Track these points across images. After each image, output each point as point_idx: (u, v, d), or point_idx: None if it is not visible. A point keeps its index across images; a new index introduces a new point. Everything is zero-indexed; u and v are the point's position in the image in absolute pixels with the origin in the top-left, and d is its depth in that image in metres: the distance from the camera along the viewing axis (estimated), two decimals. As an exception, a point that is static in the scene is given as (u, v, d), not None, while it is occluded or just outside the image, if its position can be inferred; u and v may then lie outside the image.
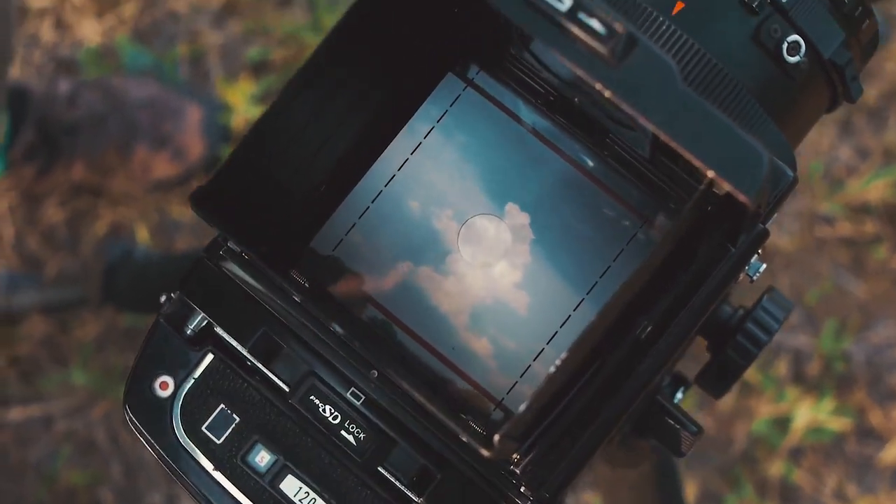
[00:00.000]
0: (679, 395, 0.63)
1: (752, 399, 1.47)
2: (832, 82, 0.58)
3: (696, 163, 0.42)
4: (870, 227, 1.55)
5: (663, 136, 0.42)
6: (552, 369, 0.42)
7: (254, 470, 0.53)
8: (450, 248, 0.53)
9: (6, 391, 1.47)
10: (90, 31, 1.58)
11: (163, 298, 0.55)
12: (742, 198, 0.41)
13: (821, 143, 1.57)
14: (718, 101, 0.55)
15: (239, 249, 0.50)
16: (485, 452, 0.45)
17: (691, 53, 0.54)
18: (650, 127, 0.42)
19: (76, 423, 1.45)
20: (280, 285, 0.51)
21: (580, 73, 0.42)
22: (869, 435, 1.47)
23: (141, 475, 1.43)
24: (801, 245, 1.54)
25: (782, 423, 1.46)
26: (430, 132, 0.54)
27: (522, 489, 0.51)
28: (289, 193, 0.52)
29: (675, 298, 0.51)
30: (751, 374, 1.47)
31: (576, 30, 0.42)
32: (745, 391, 1.47)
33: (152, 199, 1.50)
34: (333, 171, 0.53)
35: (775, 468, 1.45)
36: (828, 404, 1.46)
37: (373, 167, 0.53)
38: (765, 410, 1.46)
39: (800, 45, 0.55)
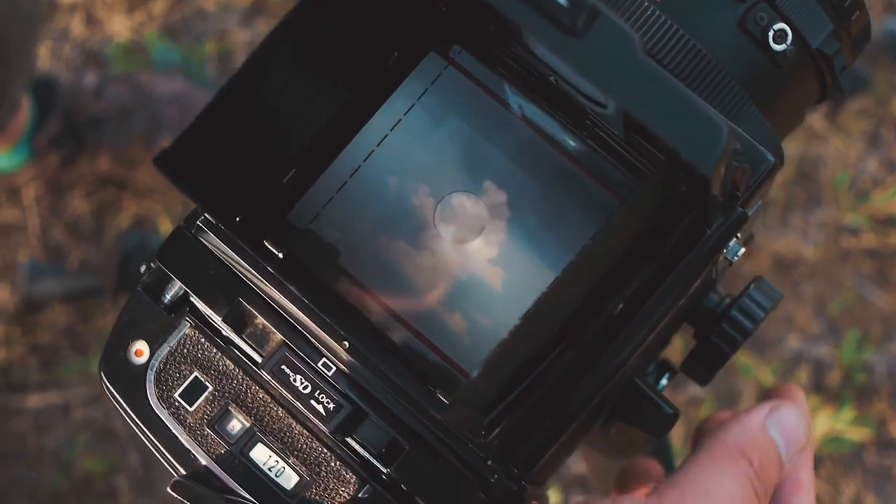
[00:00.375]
0: (664, 382, 0.63)
1: (770, 407, 1.46)
2: (821, 73, 0.58)
3: (654, 133, 0.41)
4: (894, 238, 1.53)
5: (621, 108, 0.42)
6: (505, 335, 0.42)
7: (224, 438, 0.53)
8: (426, 223, 0.53)
9: (26, 378, 1.48)
10: (120, 27, 1.60)
11: (143, 268, 0.56)
12: (699, 169, 0.41)
13: (848, 155, 1.56)
14: (702, 88, 0.54)
15: (207, 216, 0.51)
16: (437, 416, 0.45)
17: (675, 39, 0.54)
18: (609, 98, 0.42)
19: (94, 411, 1.46)
20: (251, 255, 0.51)
21: (542, 45, 0.42)
22: (889, 446, 1.46)
23: (156, 464, 1.44)
24: (825, 255, 1.53)
25: (800, 433, 1.45)
26: (410, 109, 0.54)
27: (490, 463, 0.51)
28: (263, 163, 0.52)
29: (648, 278, 0.50)
30: (771, 381, 1.47)
31: (538, 1, 0.42)
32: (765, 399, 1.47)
33: (176, 192, 1.51)
34: (311, 145, 0.53)
35: (792, 477, 1.44)
36: (847, 414, 1.45)
37: (352, 142, 0.54)
38: (783, 419, 1.45)
39: (786, 34, 0.55)
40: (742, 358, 1.47)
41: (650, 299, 0.51)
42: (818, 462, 1.44)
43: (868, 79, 1.53)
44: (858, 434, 1.45)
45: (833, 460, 1.45)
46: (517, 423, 0.50)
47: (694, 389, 1.46)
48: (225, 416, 0.53)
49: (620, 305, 0.50)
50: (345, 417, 0.52)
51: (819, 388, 1.48)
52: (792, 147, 1.56)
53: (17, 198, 1.52)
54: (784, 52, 0.55)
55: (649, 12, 0.54)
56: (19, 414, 1.47)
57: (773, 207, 1.54)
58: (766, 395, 0.61)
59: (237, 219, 0.52)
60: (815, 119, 1.56)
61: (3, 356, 1.49)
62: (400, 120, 0.54)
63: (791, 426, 0.56)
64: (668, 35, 0.54)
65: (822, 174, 1.55)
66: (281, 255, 0.52)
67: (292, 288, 0.51)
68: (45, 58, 1.57)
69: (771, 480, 0.54)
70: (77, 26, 1.60)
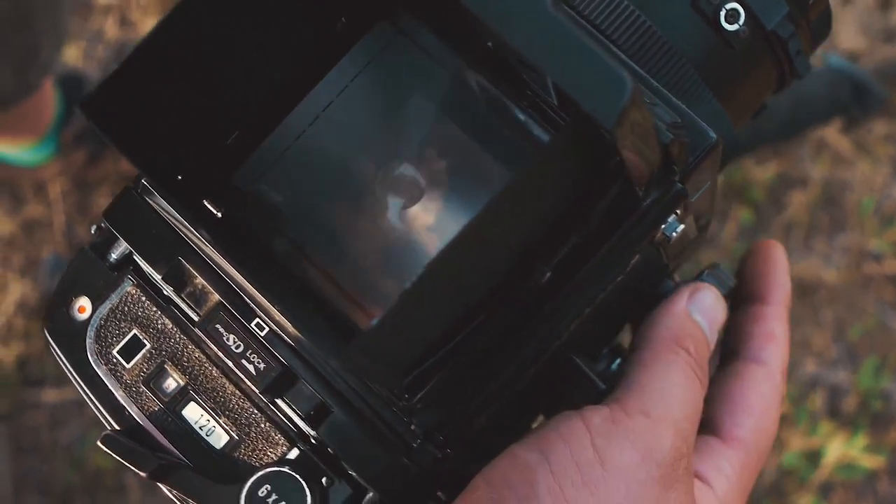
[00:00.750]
0: (614, 367, 0.62)
1: (784, 430, 1.45)
2: (777, 57, 0.57)
3: (557, 84, 0.41)
4: (919, 266, 1.52)
5: (527, 60, 0.42)
6: (407, 285, 0.42)
7: (158, 395, 0.53)
8: (368, 190, 0.53)
9: (44, 373, 1.50)
10: (153, 29, 1.62)
11: (94, 229, 0.56)
12: (600, 120, 0.41)
13: (874, 180, 1.55)
14: (650, 65, 0.54)
15: (132, 165, 0.50)
16: (334, 361, 0.45)
17: (626, 15, 0.54)
18: (514, 49, 0.42)
19: (107, 407, 1.47)
20: (189, 213, 0.51)
21: None
22: (903, 476, 1.44)
23: (164, 462, 1.44)
24: (847, 280, 1.51)
25: (813, 457, 1.44)
26: (356, 76, 0.54)
27: (413, 427, 0.50)
28: (205, 122, 0.52)
29: (577, 248, 0.50)
30: (785, 404, 1.45)
31: None
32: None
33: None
34: (257, 107, 0.53)
35: (804, 502, 1.42)
36: (861, 441, 1.43)
37: (298, 106, 0.54)
38: (797, 443, 1.44)
39: (738, 13, 0.55)
40: (757, 380, 1.46)
41: (581, 271, 0.51)
42: (830, 489, 1.43)
43: (886, 97, 1.51)
44: (872, 462, 1.43)
45: (845, 487, 1.43)
46: (441, 388, 0.50)
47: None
48: (161, 374, 0.54)
49: (548, 274, 0.50)
50: (274, 378, 0.52)
51: (834, 414, 1.46)
52: (818, 170, 1.54)
53: (44, 193, 1.54)
54: (737, 32, 0.55)
55: None
56: (35, 408, 1.49)
57: (797, 230, 1.53)
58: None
59: (179, 177, 0.52)
60: (842, 143, 1.55)
61: (21, 350, 1.50)
62: (346, 86, 0.54)
63: (710, 306, 0.57)
64: (619, 11, 0.54)
65: (847, 198, 1.54)
66: (220, 215, 0.53)
67: (225, 246, 0.51)
68: (78, 58, 1.59)
69: (705, 361, 0.56)
70: (111, 28, 1.62)
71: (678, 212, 0.53)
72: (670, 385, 0.54)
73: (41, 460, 1.47)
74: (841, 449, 1.43)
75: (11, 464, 1.47)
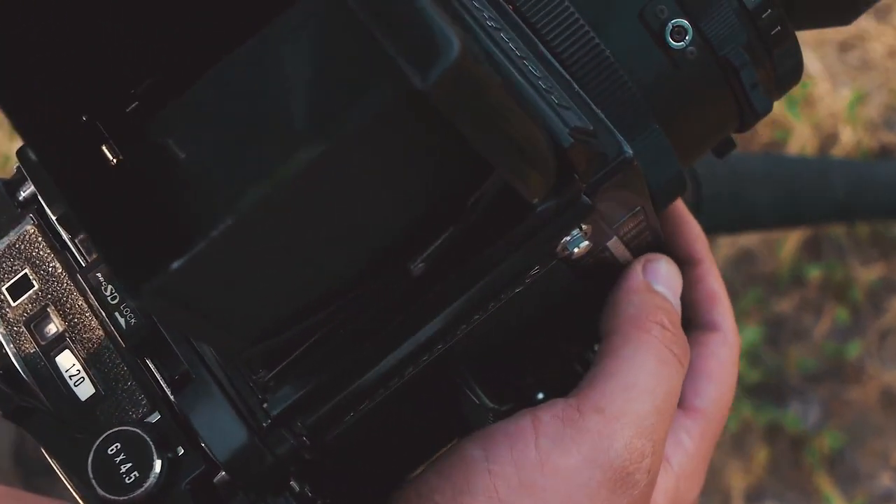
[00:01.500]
0: (540, 395, 0.59)
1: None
2: (732, 87, 0.54)
3: (376, 37, 0.39)
4: None
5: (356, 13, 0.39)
6: (214, 232, 0.40)
7: (36, 338, 0.52)
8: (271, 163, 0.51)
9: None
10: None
11: (16, 167, 0.56)
12: (412, 81, 0.38)
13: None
14: (582, 72, 0.52)
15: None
16: (129, 298, 0.43)
17: (568, 22, 0.52)
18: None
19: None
20: (37, 147, 0.49)
21: None
22: None
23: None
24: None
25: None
26: (287, 37, 0.52)
27: (265, 406, 0.48)
28: (117, 62, 0.50)
29: (454, 244, 0.47)
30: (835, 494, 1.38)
31: None
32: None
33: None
34: (179, 56, 0.51)
35: None
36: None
37: (215, 67, 0.52)
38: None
39: (685, 30, 0.52)
40: (825, 486, 1.39)
41: (462, 273, 0.48)
42: None
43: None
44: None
45: None
46: (299, 369, 0.48)
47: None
48: (43, 317, 0.53)
49: (420, 264, 0.47)
50: (143, 337, 0.50)
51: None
52: (924, 279, 1.48)
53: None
54: (683, 50, 0.52)
55: None
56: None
57: (893, 338, 1.46)
58: None
59: (83, 118, 0.51)
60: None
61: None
62: (274, 46, 0.52)
63: (667, 275, 0.54)
64: (561, 17, 0.52)
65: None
66: (114, 162, 0.51)
67: (112, 194, 0.50)
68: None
69: (681, 331, 0.53)
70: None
71: (583, 226, 0.50)
72: (638, 372, 0.50)
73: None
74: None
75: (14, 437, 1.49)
